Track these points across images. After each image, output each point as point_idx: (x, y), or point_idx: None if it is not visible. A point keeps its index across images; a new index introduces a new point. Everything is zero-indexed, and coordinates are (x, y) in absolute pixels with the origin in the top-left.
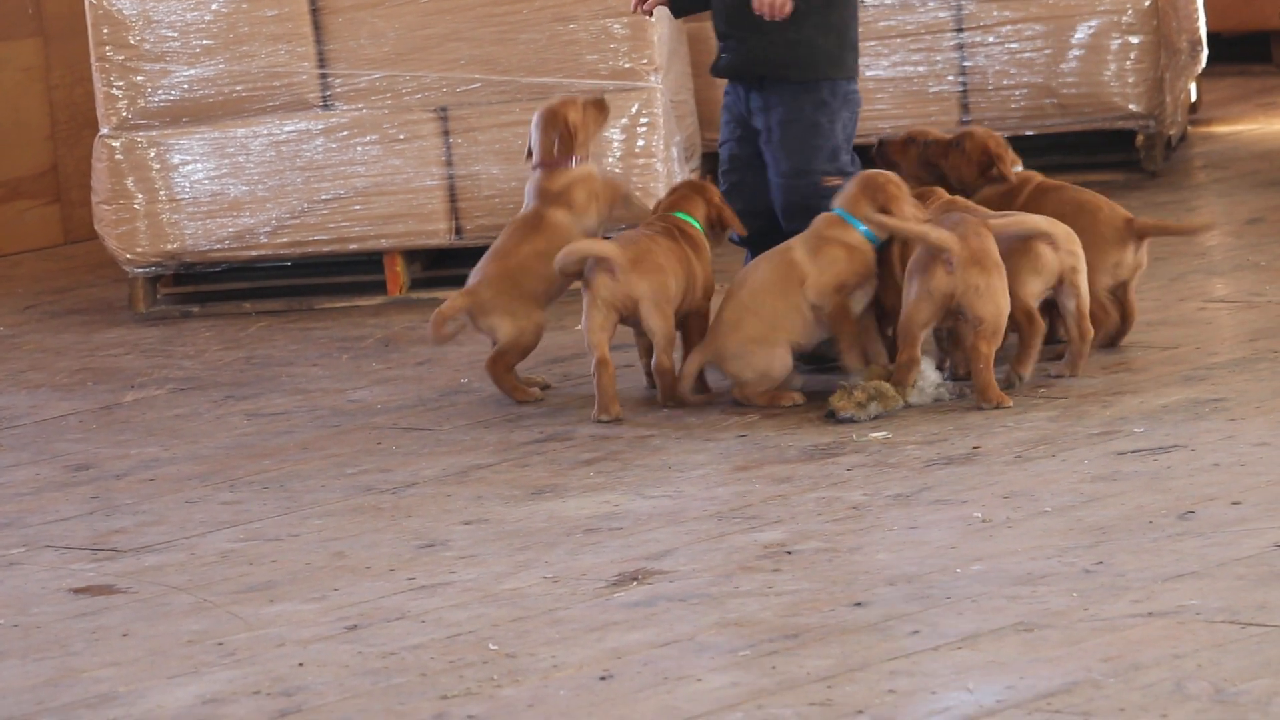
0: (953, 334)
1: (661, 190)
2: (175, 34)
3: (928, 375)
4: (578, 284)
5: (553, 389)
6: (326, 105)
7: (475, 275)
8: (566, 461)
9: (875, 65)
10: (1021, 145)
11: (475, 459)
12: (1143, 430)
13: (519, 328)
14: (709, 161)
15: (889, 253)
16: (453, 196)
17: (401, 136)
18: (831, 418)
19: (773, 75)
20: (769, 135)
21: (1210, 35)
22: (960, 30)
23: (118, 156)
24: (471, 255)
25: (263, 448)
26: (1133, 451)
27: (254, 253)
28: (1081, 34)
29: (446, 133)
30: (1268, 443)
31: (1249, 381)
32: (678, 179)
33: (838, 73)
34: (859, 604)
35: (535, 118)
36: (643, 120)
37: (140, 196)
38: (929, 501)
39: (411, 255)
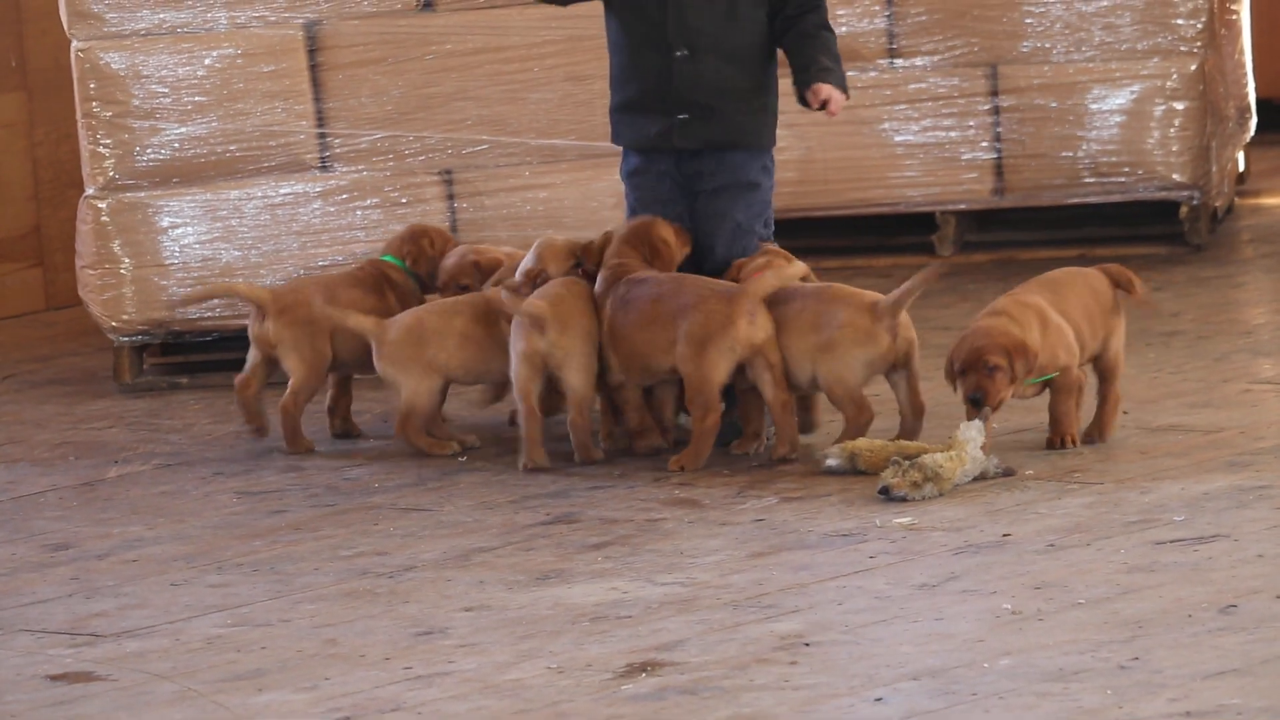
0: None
1: None
2: (166, 90)
3: (974, 438)
4: None
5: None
6: (325, 166)
7: None
8: (573, 545)
9: (904, 130)
10: (1059, 216)
11: (477, 542)
12: (1183, 518)
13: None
14: None
15: None
16: None
17: (404, 200)
18: (885, 494)
19: (741, 144)
20: (716, 195)
21: (1260, 102)
22: (995, 94)
23: (104, 218)
24: None
25: (253, 528)
26: (1172, 541)
27: (246, 322)
28: (1123, 99)
29: (451, 197)
30: None
31: None
32: None
33: (773, 142)
34: (880, 700)
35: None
36: None
37: (127, 261)
38: (956, 591)
39: None
